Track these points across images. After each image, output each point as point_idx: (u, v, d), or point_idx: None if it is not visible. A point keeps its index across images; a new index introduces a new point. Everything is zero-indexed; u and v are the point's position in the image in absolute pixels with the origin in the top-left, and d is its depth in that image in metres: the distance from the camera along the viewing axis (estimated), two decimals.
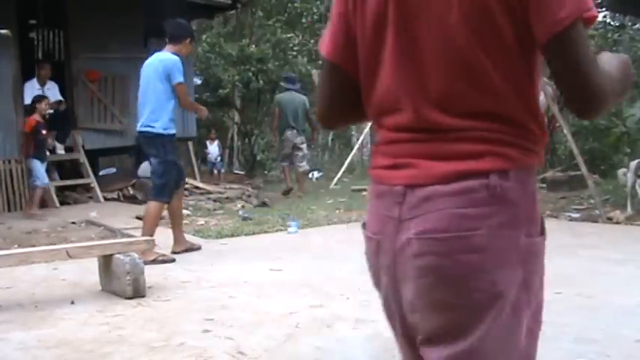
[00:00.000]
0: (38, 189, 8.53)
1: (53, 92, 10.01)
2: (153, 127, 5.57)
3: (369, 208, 1.37)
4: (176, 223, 5.93)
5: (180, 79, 5.59)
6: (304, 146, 10.63)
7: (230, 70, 14.14)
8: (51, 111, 9.87)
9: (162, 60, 5.63)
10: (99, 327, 3.59)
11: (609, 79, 1.19)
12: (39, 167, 8.50)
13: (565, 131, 8.40)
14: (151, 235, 5.38)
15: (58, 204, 9.35)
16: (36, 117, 8.56)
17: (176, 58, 5.63)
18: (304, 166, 10.68)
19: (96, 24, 10.08)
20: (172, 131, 5.66)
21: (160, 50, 5.86)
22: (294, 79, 11.04)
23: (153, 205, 5.75)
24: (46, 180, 8.61)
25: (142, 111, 5.68)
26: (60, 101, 9.98)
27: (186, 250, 5.81)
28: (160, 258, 5.40)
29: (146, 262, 4.76)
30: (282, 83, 11.50)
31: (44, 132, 8.59)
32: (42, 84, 9.91)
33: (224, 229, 7.34)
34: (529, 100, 1.21)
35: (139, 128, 5.72)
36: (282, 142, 10.60)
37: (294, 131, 10.44)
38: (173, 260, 5.46)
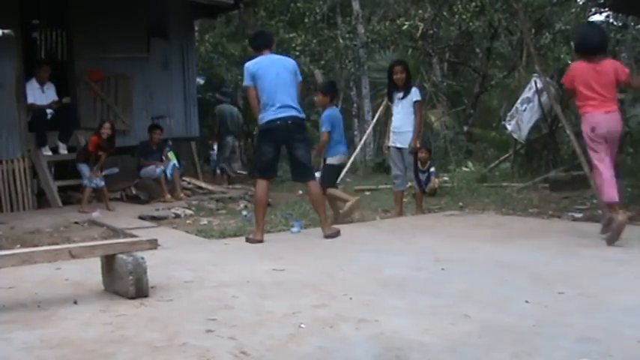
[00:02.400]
0: (87, 189, 9.18)
1: (51, 92, 10.04)
2: (302, 113, 6.43)
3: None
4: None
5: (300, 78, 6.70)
6: (238, 150, 13.35)
7: (233, 70, 14.15)
8: (51, 111, 9.92)
9: (289, 60, 6.63)
10: (102, 327, 3.59)
11: None
12: (86, 170, 9.23)
13: (568, 131, 8.39)
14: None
15: (60, 204, 9.38)
16: (98, 138, 9.30)
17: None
18: (239, 165, 13.16)
19: (99, 24, 10.11)
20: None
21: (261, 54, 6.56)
22: (228, 93, 13.76)
23: (315, 184, 6.60)
24: (93, 182, 9.23)
25: (283, 100, 6.30)
26: (60, 101, 10.01)
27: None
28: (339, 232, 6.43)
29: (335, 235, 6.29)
30: (218, 95, 13.85)
31: (101, 153, 9.35)
32: (41, 84, 9.94)
33: (227, 229, 7.34)
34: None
35: (289, 114, 6.29)
36: (224, 147, 12.83)
37: (233, 137, 13.08)
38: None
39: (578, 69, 6.03)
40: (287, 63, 6.53)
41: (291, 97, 6.36)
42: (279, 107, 6.28)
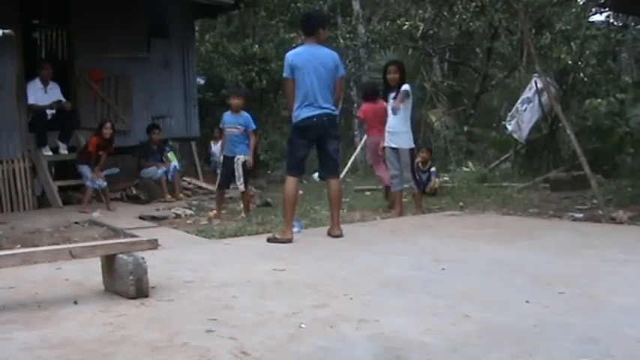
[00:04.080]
0: (88, 189, 9.21)
1: (55, 92, 10.03)
2: (335, 110, 6.44)
3: None
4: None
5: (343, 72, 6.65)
6: None
7: (233, 70, 14.15)
8: (53, 111, 9.91)
9: (330, 55, 6.44)
10: (102, 327, 3.59)
11: None
12: (87, 172, 9.23)
13: (568, 131, 8.39)
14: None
15: (61, 204, 9.38)
16: (99, 138, 9.31)
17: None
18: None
19: (99, 24, 10.10)
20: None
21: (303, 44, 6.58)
22: None
23: (338, 182, 6.62)
24: (96, 183, 9.23)
25: (318, 100, 6.30)
26: (60, 101, 10.00)
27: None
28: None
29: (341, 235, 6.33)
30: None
31: (101, 153, 9.34)
32: (44, 84, 9.93)
33: (227, 229, 7.34)
34: None
35: (324, 110, 6.32)
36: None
37: None
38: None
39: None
40: (326, 58, 6.40)
41: (326, 96, 6.34)
42: (315, 106, 6.30)
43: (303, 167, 6.65)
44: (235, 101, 8.40)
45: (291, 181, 6.43)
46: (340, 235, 6.39)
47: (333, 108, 6.41)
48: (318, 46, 6.43)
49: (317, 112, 6.30)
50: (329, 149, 6.48)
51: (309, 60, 6.31)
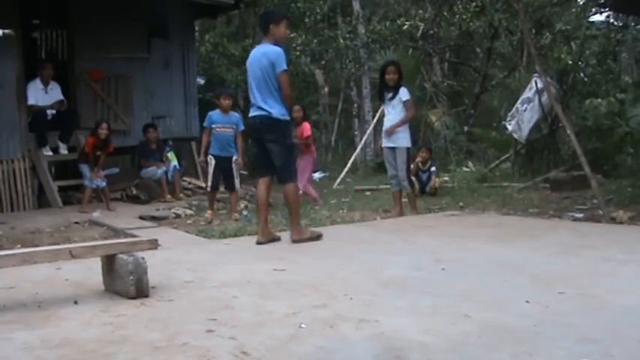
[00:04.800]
0: (87, 189, 9.21)
1: (56, 92, 10.03)
2: (270, 112, 6.06)
3: None
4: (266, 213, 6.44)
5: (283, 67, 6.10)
6: None
7: (233, 70, 14.16)
8: (53, 111, 9.91)
9: (266, 53, 6.09)
10: (102, 327, 3.59)
11: None
12: (87, 171, 9.23)
13: (568, 131, 8.39)
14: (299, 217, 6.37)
15: (61, 204, 9.38)
16: (95, 139, 9.29)
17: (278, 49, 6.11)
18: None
19: (99, 24, 10.11)
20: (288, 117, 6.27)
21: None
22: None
23: (290, 187, 6.25)
24: (94, 182, 9.23)
25: (255, 99, 6.15)
26: (62, 101, 10.00)
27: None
28: (315, 235, 6.27)
29: (302, 240, 6.07)
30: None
31: (99, 153, 9.32)
32: (45, 84, 9.93)
33: (227, 229, 7.34)
34: None
35: (259, 112, 6.12)
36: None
37: None
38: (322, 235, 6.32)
39: None
40: (262, 57, 6.09)
41: (264, 96, 6.08)
42: (254, 108, 6.20)
43: (263, 167, 6.38)
44: (227, 101, 8.49)
45: (259, 183, 6.47)
46: (299, 241, 6.13)
47: (270, 111, 6.05)
48: (268, 44, 6.18)
49: (254, 113, 6.18)
50: (271, 153, 6.19)
51: (252, 61, 6.22)
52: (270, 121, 6.07)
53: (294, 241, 6.15)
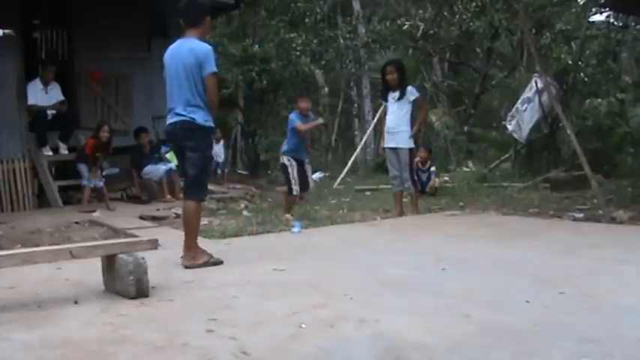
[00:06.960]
0: (86, 188, 9.23)
1: (56, 93, 10.03)
2: (193, 118, 5.22)
3: None
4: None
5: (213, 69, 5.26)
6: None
7: (233, 70, 14.15)
8: (53, 112, 9.91)
9: (193, 50, 5.26)
10: (102, 327, 3.59)
11: None
12: (85, 171, 9.25)
13: (568, 131, 8.40)
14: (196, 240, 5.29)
15: (61, 204, 9.38)
16: (96, 141, 9.31)
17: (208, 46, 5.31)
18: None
19: (99, 24, 10.11)
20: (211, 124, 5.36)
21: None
22: None
23: (190, 204, 5.33)
24: (92, 182, 9.24)
25: (175, 104, 5.30)
26: (63, 101, 10.00)
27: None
28: (212, 260, 5.22)
29: (196, 266, 5.10)
30: None
31: (98, 154, 9.31)
32: (45, 84, 9.93)
33: (227, 229, 7.34)
34: None
35: (179, 118, 5.27)
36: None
37: None
38: (221, 262, 5.26)
39: None
40: (188, 54, 5.26)
41: (187, 99, 5.23)
42: (173, 113, 5.32)
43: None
44: (305, 104, 8.36)
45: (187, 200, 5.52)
46: (189, 267, 5.16)
47: (193, 116, 5.21)
48: (193, 39, 5.40)
49: (173, 119, 5.30)
50: (187, 161, 5.34)
51: (173, 56, 5.37)
52: (192, 126, 5.22)
53: (186, 267, 5.19)
